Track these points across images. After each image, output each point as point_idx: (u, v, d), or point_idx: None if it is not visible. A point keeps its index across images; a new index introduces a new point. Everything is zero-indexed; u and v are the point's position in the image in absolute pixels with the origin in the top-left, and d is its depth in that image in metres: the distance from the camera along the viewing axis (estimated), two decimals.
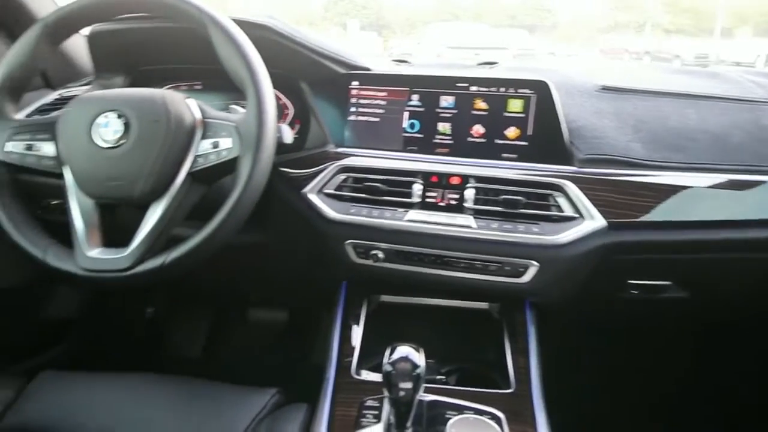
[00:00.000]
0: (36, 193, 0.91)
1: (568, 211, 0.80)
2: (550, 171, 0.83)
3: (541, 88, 0.85)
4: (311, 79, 0.94)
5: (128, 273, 0.66)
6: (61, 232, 0.74)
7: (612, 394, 1.32)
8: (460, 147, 0.88)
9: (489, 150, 0.87)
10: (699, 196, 0.80)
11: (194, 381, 0.81)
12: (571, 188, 0.80)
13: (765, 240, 0.79)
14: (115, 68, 0.97)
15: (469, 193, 0.83)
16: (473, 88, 0.88)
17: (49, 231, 0.73)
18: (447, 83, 0.89)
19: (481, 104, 0.87)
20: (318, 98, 0.94)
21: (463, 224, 0.81)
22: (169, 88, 0.99)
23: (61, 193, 0.89)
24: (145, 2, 0.71)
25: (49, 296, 1.16)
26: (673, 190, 0.80)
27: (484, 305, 0.92)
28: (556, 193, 0.81)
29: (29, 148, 0.70)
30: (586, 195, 0.80)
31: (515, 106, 0.86)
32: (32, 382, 0.79)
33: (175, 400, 0.77)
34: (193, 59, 0.95)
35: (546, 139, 0.85)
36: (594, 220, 0.79)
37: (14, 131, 0.71)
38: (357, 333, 0.86)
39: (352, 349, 0.82)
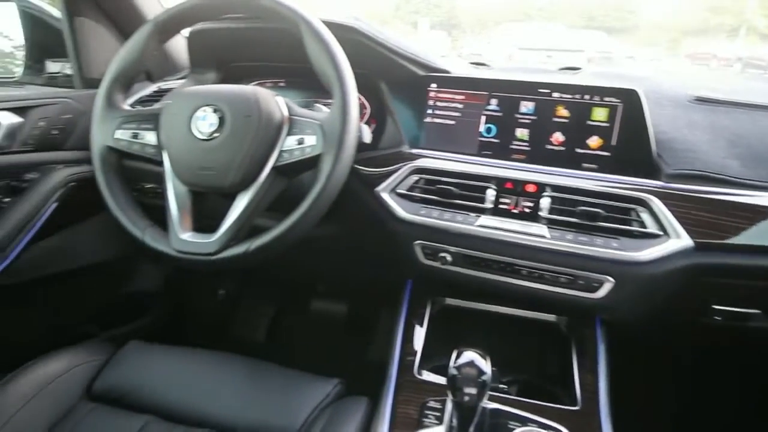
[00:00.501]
0: (132, 176, 1.00)
1: (652, 227, 0.76)
2: (633, 184, 0.79)
3: (629, 97, 0.81)
4: (390, 79, 0.95)
5: (215, 257, 0.70)
6: (153, 214, 0.80)
7: (681, 422, 1.24)
8: (538, 154, 0.86)
9: (568, 159, 0.85)
10: None
11: (263, 363, 0.85)
12: (657, 204, 0.76)
13: None
14: (209, 64, 1.04)
15: (545, 202, 0.81)
16: (555, 95, 0.86)
17: (149, 214, 0.80)
18: (528, 89, 0.87)
19: (562, 111, 0.85)
20: (396, 99, 0.95)
21: (537, 233, 0.80)
22: (256, 84, 1.05)
23: (155, 178, 0.97)
24: (246, 4, 0.75)
25: (135, 271, 1.26)
26: None
27: (551, 317, 0.90)
28: (639, 208, 0.78)
29: (135, 136, 0.77)
30: (673, 212, 0.76)
31: (600, 114, 0.83)
32: (121, 349, 0.86)
33: (244, 379, 0.82)
34: (279, 58, 1.00)
35: (631, 150, 0.81)
36: (680, 239, 0.75)
37: (123, 120, 0.78)
38: (420, 333, 0.87)
39: (415, 349, 0.83)
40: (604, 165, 0.83)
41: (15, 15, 1.06)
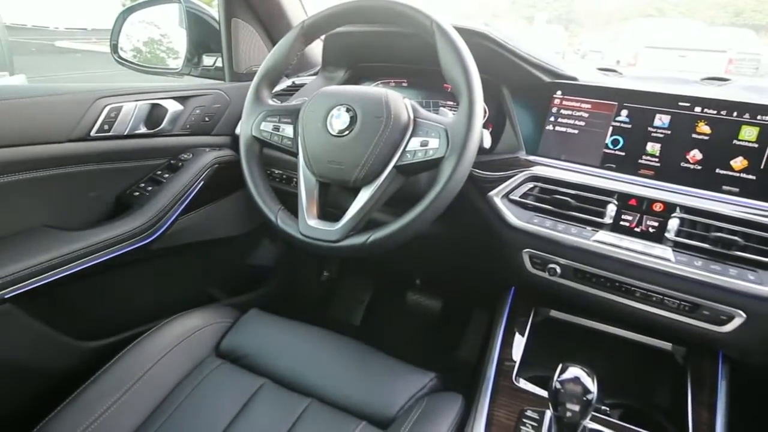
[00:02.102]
0: (266, 162, 1.11)
1: None
2: None
3: None
4: (513, 84, 0.95)
5: (337, 245, 0.77)
6: (279, 197, 0.88)
7: None
8: (670, 172, 0.81)
9: (705, 179, 0.78)
10: None
11: (365, 346, 0.90)
12: None
13: None
14: (340, 63, 1.12)
15: (673, 223, 0.76)
16: (697, 109, 0.80)
17: (278, 197, 0.89)
18: (666, 101, 0.82)
19: (704, 128, 0.79)
20: (517, 104, 0.95)
21: (660, 256, 0.75)
22: (381, 83, 1.11)
23: (285, 165, 1.07)
24: (386, 10, 0.79)
25: (256, 246, 1.40)
26: None
27: (666, 345, 0.85)
28: None
29: (276, 129, 0.86)
30: None
31: (749, 134, 0.76)
32: (244, 315, 0.97)
33: (348, 359, 0.87)
34: (404, 59, 1.04)
35: None
36: None
37: (267, 114, 0.87)
38: (520, 341, 0.87)
39: (514, 355, 0.83)
40: (747, 189, 0.76)
41: (177, 15, 1.22)
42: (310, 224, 0.79)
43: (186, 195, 1.04)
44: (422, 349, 1.45)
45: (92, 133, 0.92)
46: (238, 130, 1.12)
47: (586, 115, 0.89)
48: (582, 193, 0.83)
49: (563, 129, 0.91)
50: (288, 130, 0.85)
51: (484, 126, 1.00)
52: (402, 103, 0.78)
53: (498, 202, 0.88)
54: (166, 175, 1.04)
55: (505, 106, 0.96)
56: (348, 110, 0.78)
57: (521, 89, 0.95)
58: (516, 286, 0.94)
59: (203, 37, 1.23)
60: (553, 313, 0.92)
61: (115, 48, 1.21)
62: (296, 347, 0.90)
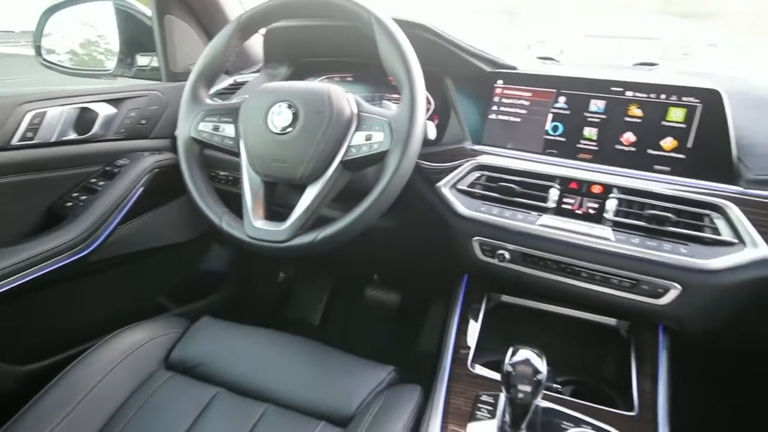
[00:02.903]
0: (209, 164, 1.07)
1: (726, 235, 0.73)
2: (709, 189, 0.76)
3: (710, 98, 0.77)
4: (456, 75, 0.96)
5: (284, 245, 0.75)
6: (225, 199, 0.86)
7: None
8: (606, 154, 0.84)
9: (639, 160, 0.82)
10: None
11: (322, 346, 0.89)
12: (733, 210, 0.73)
13: None
14: (282, 59, 1.09)
15: (611, 204, 0.79)
16: (629, 93, 0.83)
17: (224, 200, 0.86)
18: (599, 86, 0.85)
19: (635, 111, 0.83)
20: (460, 95, 0.96)
21: (601, 236, 0.78)
22: (324, 78, 1.09)
23: (229, 166, 1.03)
24: (322, 3, 0.78)
25: (206, 252, 1.35)
26: None
27: (611, 321, 0.88)
28: (713, 214, 0.74)
29: (216, 128, 0.83)
30: (751, 219, 0.72)
31: (676, 115, 0.80)
32: (195, 324, 0.94)
33: (305, 360, 0.86)
34: (347, 53, 1.03)
35: (709, 153, 0.77)
36: (756, 249, 0.71)
37: (206, 113, 0.84)
38: (474, 328, 0.88)
39: (469, 342, 0.85)
40: (677, 168, 0.80)
41: (111, 13, 1.16)
42: (257, 225, 0.77)
43: (124, 203, 0.99)
44: (383, 344, 1.45)
45: (13, 142, 0.86)
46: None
47: (526, 103, 0.91)
48: (526, 180, 0.85)
49: (506, 117, 0.92)
50: (228, 130, 0.83)
51: (430, 118, 1.01)
52: (344, 97, 0.77)
53: (446, 192, 0.89)
54: (102, 183, 0.99)
55: (449, 97, 0.97)
56: (290, 107, 0.76)
57: (464, 80, 0.96)
58: (468, 274, 0.96)
59: (136, 35, 1.17)
60: (505, 297, 0.94)
61: (38, 50, 1.14)
62: (251, 353, 0.88)
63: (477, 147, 0.92)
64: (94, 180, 1.00)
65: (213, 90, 1.14)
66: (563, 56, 1.22)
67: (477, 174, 0.89)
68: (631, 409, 0.74)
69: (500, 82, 0.93)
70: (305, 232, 0.75)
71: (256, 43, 1.21)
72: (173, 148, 1.12)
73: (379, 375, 0.83)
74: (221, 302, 1.34)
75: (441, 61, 0.94)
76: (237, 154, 0.82)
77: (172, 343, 0.89)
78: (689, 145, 0.79)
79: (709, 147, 0.77)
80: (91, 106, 0.97)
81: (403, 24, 0.77)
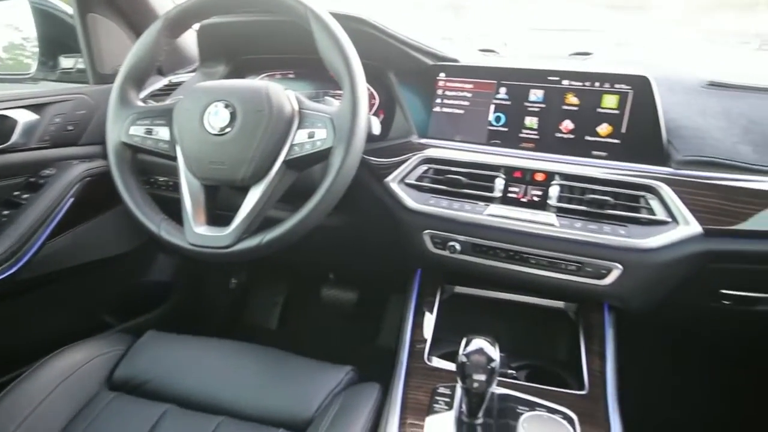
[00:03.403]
0: (145, 169, 1.01)
1: (661, 214, 0.76)
2: (643, 171, 0.79)
3: (640, 84, 0.81)
4: (399, 69, 0.96)
5: (229, 250, 0.72)
6: (166, 206, 0.82)
7: (689, 405, 1.25)
8: (547, 142, 0.86)
9: (578, 147, 0.84)
10: None
11: (276, 351, 0.87)
12: (666, 191, 0.76)
13: None
14: (219, 57, 1.05)
15: (554, 191, 0.81)
16: (565, 82, 0.85)
17: (164, 206, 0.82)
18: (537, 76, 0.87)
19: (572, 99, 0.85)
20: (404, 89, 0.96)
21: (545, 222, 0.80)
22: (265, 76, 1.06)
23: (167, 171, 0.99)
24: None
25: (150, 262, 1.29)
26: None
27: (559, 304, 0.91)
28: (648, 195, 0.78)
29: (149, 132, 0.78)
30: (682, 199, 0.76)
31: (610, 102, 0.83)
32: (140, 339, 0.89)
33: (259, 367, 0.84)
34: (287, 50, 1.00)
35: (641, 137, 0.81)
36: (689, 226, 0.75)
37: (137, 116, 0.79)
38: (430, 320, 0.88)
39: (425, 335, 0.85)
40: (613, 153, 0.83)
41: (27, 11, 1.07)
42: (198, 232, 0.74)
43: (53, 216, 0.93)
44: (343, 343, 1.44)
45: None
46: None
47: (469, 95, 0.92)
48: (472, 171, 0.86)
49: (450, 110, 0.93)
50: (163, 133, 0.78)
51: (376, 113, 1.00)
52: (284, 94, 0.75)
53: (395, 187, 0.89)
54: (26, 196, 0.92)
55: (394, 91, 0.97)
56: (227, 106, 0.73)
57: (407, 74, 0.96)
58: (421, 267, 0.96)
59: (58, 35, 1.10)
60: (458, 288, 0.94)
61: None
62: (201, 365, 0.84)
63: (423, 140, 0.92)
64: (17, 193, 0.92)
65: (146, 92, 1.09)
66: (507, 49, 1.24)
67: (424, 167, 0.89)
68: (582, 387, 0.76)
69: (442, 74, 0.93)
70: (250, 236, 0.73)
71: (190, 41, 1.16)
72: (105, 155, 1.05)
73: (336, 376, 0.82)
74: (170, 314, 1.29)
75: (383, 55, 0.93)
76: (173, 158, 0.78)
77: (116, 361, 0.84)
78: (623, 130, 0.82)
79: (641, 131, 0.81)
80: (7, 113, 0.89)
81: (341, 18, 0.76)
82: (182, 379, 0.81)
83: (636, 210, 0.78)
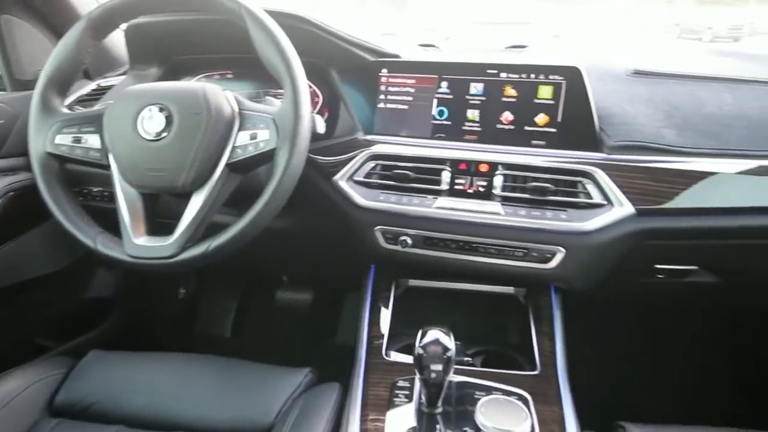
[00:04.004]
0: (78, 180, 0.95)
1: (597, 198, 0.81)
2: (579, 158, 0.83)
3: (571, 75, 0.84)
4: (341, 67, 0.95)
5: (173, 260, 0.69)
6: (103, 218, 0.78)
7: (636, 376, 1.33)
8: (489, 134, 0.89)
9: (518, 137, 0.87)
10: (728, 182, 0.80)
11: (230, 360, 0.85)
12: (600, 175, 0.81)
13: None
14: (150, 59, 1.00)
15: (498, 180, 0.84)
16: (503, 75, 0.88)
17: (100, 218, 0.78)
18: (476, 70, 0.89)
19: (510, 91, 0.88)
20: (347, 86, 0.95)
21: (492, 211, 0.83)
22: (202, 77, 1.02)
23: (102, 181, 0.93)
24: None
25: (87, 278, 1.22)
26: (703, 176, 0.80)
27: (509, 290, 0.94)
28: (585, 180, 0.82)
29: (77, 140, 0.74)
30: (615, 182, 0.80)
31: (545, 92, 0.86)
32: (81, 360, 0.84)
33: (213, 379, 0.82)
34: (224, 49, 0.97)
35: (576, 125, 0.85)
36: (622, 207, 0.79)
37: (63, 124, 0.74)
38: (386, 316, 0.89)
39: (382, 331, 0.85)
40: (551, 141, 0.86)
41: None
42: (138, 243, 0.71)
43: None
44: (302, 345, 1.43)
45: None
46: None
47: (412, 90, 0.93)
48: (419, 165, 0.87)
49: (394, 105, 0.93)
50: (93, 141, 0.74)
51: (320, 111, 0.99)
52: (222, 95, 0.73)
53: (343, 185, 0.88)
54: None
55: (337, 89, 0.96)
56: (161, 110, 0.70)
57: (349, 71, 0.95)
58: (374, 263, 0.96)
59: None
60: (413, 282, 0.96)
61: None
62: (151, 381, 0.81)
63: (369, 137, 0.92)
64: None
65: (72, 98, 1.02)
66: (448, 43, 1.26)
67: (372, 164, 0.89)
68: (534, 368, 0.79)
69: (385, 70, 0.93)
70: (195, 244, 0.70)
71: (119, 41, 1.10)
72: (29, 167, 0.98)
73: (295, 379, 0.81)
74: (115, 331, 1.22)
75: (323, 52, 0.92)
76: (107, 167, 0.74)
77: (56, 386, 0.79)
78: (559, 119, 0.86)
79: (575, 120, 0.85)
80: None
81: (278, 15, 0.74)
82: (131, 397, 0.78)
83: (575, 195, 0.82)
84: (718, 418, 0.78)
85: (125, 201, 0.73)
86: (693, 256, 0.88)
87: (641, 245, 0.83)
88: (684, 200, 0.80)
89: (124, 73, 1.08)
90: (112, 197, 0.97)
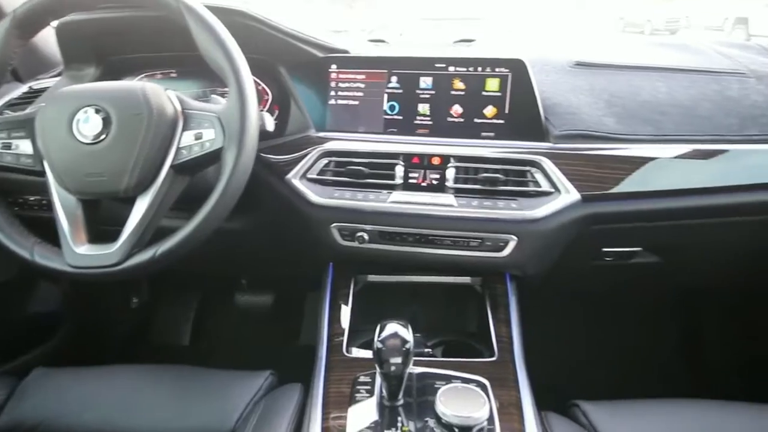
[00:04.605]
0: (11, 189, 0.90)
1: (545, 186, 0.83)
2: (527, 148, 0.85)
3: (516, 67, 0.87)
4: (289, 63, 0.93)
5: (119, 268, 0.67)
6: (42, 228, 0.73)
7: (591, 356, 1.39)
8: (440, 127, 0.90)
9: (468, 129, 0.89)
10: (666, 166, 0.84)
11: (187, 368, 0.83)
12: (547, 164, 0.83)
13: (727, 206, 0.84)
14: (86, 59, 0.95)
15: (450, 173, 0.85)
16: (451, 69, 0.89)
17: (30, 228, 0.73)
18: (425, 64, 0.90)
19: (459, 84, 0.89)
20: (297, 82, 0.94)
21: (445, 203, 0.84)
22: (144, 77, 0.98)
23: (38, 189, 0.88)
24: None
25: (32, 292, 1.15)
26: (642, 161, 0.84)
27: (466, 280, 0.96)
28: (533, 170, 0.84)
29: (6, 146, 0.70)
30: (561, 170, 0.83)
31: (492, 85, 0.88)
32: (25, 379, 0.80)
33: (170, 388, 0.79)
34: (166, 47, 0.94)
35: (522, 116, 0.87)
36: (569, 194, 0.82)
37: None
38: (346, 312, 0.89)
39: (342, 328, 0.85)
40: (500, 132, 0.88)
41: None
42: (80, 252, 0.67)
43: None
44: (264, 347, 1.40)
45: None
46: None
47: (362, 85, 0.92)
48: (372, 160, 0.87)
49: (345, 102, 0.93)
50: (24, 146, 0.70)
51: (270, 109, 0.97)
52: (164, 94, 0.70)
53: (297, 183, 0.87)
54: None
55: (286, 86, 0.95)
56: (97, 111, 0.67)
57: (298, 67, 0.94)
58: (333, 261, 0.96)
59: None
60: (371, 277, 0.96)
61: None
62: (104, 395, 0.78)
63: (322, 134, 0.91)
64: None
65: (2, 102, 0.96)
66: (400, 38, 1.27)
67: (325, 161, 0.88)
68: (492, 355, 0.81)
69: (334, 66, 0.93)
70: (142, 250, 0.68)
71: (52, 40, 1.03)
72: None
73: (255, 382, 0.80)
74: (62, 347, 1.16)
75: (269, 48, 0.91)
76: (41, 174, 0.70)
77: None
78: (506, 110, 0.88)
79: (522, 111, 0.87)
80: None
81: (219, 11, 0.72)
82: (80, 415, 0.74)
83: (524, 184, 0.84)
84: (667, 390, 0.83)
85: (63, 208, 0.69)
86: (636, 237, 0.92)
87: (588, 230, 0.86)
88: (626, 185, 0.84)
89: (59, 74, 1.02)
90: (47, 206, 0.92)
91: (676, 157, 0.84)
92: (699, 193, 0.84)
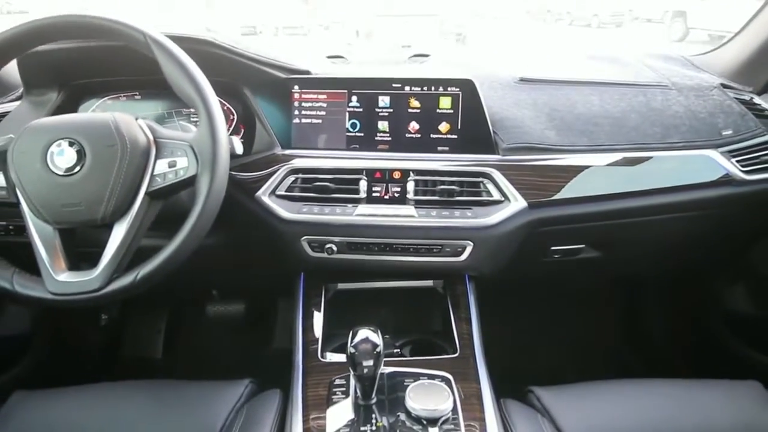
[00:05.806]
0: None
1: (496, 195, 0.92)
2: (479, 161, 0.93)
3: (466, 86, 0.94)
4: (253, 84, 0.97)
5: (101, 293, 0.69)
6: (17, 252, 0.75)
7: (545, 346, 1.51)
8: (399, 143, 0.96)
9: (425, 144, 0.96)
10: (600, 173, 0.94)
11: (165, 382, 0.85)
12: (497, 175, 0.92)
13: (653, 206, 0.95)
14: (47, 84, 0.95)
15: (410, 186, 0.92)
16: (407, 88, 0.96)
17: (11, 254, 0.75)
18: (383, 84, 0.96)
19: (415, 103, 0.96)
20: (261, 102, 0.98)
21: (407, 214, 0.91)
22: (108, 99, 1.00)
23: (13, 215, 0.89)
24: (89, 26, 0.71)
25: (1, 315, 1.14)
26: (579, 170, 0.93)
27: (429, 283, 1.03)
28: (485, 180, 0.92)
29: None
30: (510, 180, 0.92)
31: (445, 103, 0.95)
32: (6, 404, 0.81)
33: (153, 404, 0.82)
34: (129, 71, 0.96)
35: (474, 131, 0.95)
36: (517, 202, 0.91)
37: None
38: (318, 320, 0.94)
39: (316, 336, 0.91)
40: (454, 147, 0.96)
41: None
42: (61, 279, 0.70)
43: None
44: (239, 356, 1.43)
45: None
46: None
47: (325, 105, 0.98)
48: (337, 176, 0.93)
49: (309, 120, 0.98)
50: None
51: (236, 128, 1.01)
52: (136, 125, 0.73)
53: (267, 200, 0.92)
54: None
55: (251, 105, 0.99)
56: (71, 144, 0.70)
57: (261, 87, 0.98)
58: (303, 271, 1.01)
59: None
60: (341, 285, 1.02)
61: None
62: (84, 416, 0.80)
63: (288, 152, 0.96)
64: None
65: None
66: (355, 49, 1.31)
67: (292, 177, 0.93)
68: (455, 351, 0.89)
69: (296, 87, 0.97)
70: (122, 274, 0.71)
71: (11, 65, 1.03)
72: None
73: (235, 391, 0.84)
74: (35, 369, 1.16)
75: (234, 71, 0.95)
76: (15, 204, 0.71)
77: None
78: (459, 126, 0.95)
79: (473, 126, 0.95)
80: None
81: (183, 40, 0.76)
82: None
83: (478, 194, 0.92)
84: (616, 370, 0.93)
85: (40, 237, 0.71)
86: (578, 237, 1.03)
87: (536, 232, 0.96)
88: (566, 192, 0.93)
89: (18, 98, 1.02)
90: (21, 230, 0.93)
91: (608, 165, 0.95)
92: (628, 196, 0.95)
